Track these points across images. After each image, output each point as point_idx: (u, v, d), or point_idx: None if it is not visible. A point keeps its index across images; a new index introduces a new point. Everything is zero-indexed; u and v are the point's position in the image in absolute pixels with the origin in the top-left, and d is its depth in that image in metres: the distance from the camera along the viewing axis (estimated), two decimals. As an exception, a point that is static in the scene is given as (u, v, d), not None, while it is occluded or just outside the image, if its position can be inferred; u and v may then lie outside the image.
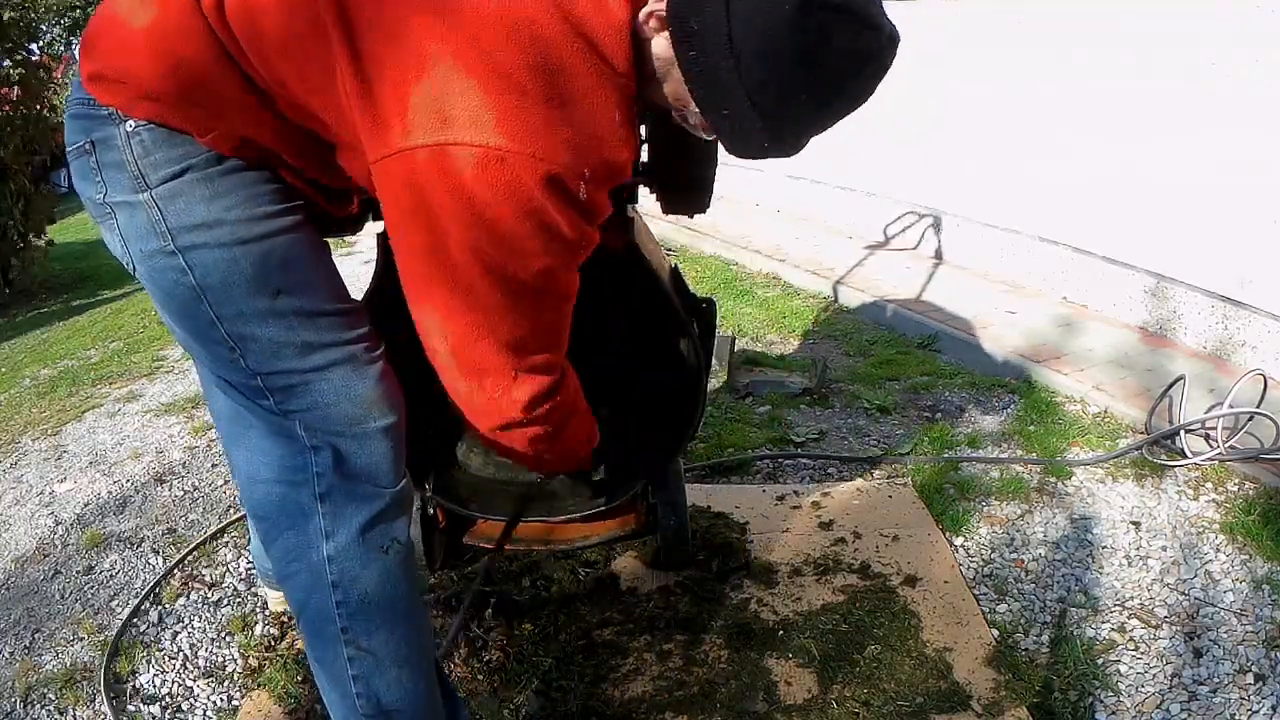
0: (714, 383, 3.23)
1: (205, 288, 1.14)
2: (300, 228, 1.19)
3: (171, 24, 1.07)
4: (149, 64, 1.08)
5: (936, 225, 4.71)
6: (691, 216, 1.70)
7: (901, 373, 3.37)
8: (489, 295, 1.08)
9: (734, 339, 3.60)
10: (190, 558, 2.36)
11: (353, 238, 6.21)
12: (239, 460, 1.30)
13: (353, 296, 1.29)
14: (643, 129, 1.62)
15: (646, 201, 1.73)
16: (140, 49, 1.08)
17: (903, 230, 4.98)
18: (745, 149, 1.09)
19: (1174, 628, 1.91)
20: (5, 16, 5.91)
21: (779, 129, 1.05)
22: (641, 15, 1.06)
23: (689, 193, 1.56)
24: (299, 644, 1.96)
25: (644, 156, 1.63)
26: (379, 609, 1.26)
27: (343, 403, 1.20)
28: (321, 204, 1.24)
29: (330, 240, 1.63)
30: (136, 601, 2.17)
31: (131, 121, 1.10)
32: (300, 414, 1.20)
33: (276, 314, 1.16)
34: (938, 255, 4.70)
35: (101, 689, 1.88)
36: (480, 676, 1.83)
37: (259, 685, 1.87)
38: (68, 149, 1.17)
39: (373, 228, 1.64)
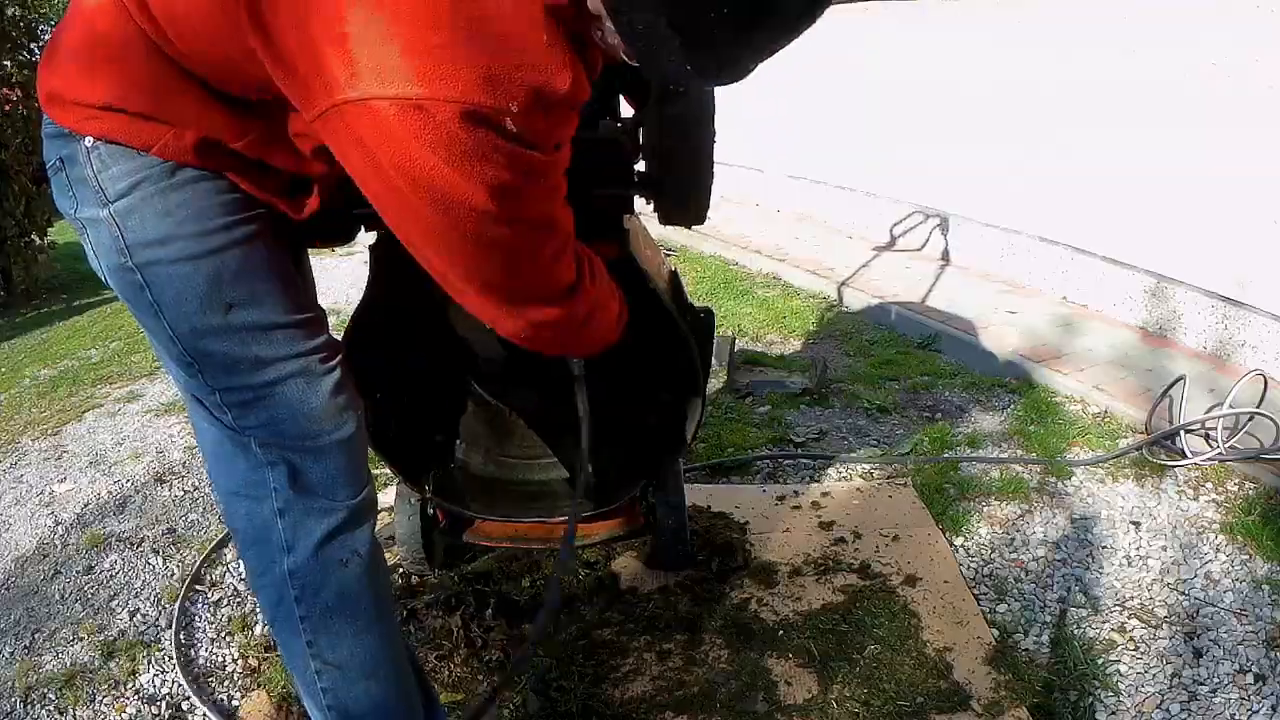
0: (714, 383, 3.23)
1: (161, 304, 1.14)
2: (256, 238, 1.17)
3: (102, 32, 1.06)
4: (89, 77, 1.08)
5: (937, 225, 4.71)
6: (690, 227, 1.70)
7: (901, 373, 3.37)
8: (458, 244, 1.03)
9: (734, 339, 3.60)
10: (190, 559, 2.36)
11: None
12: (213, 474, 1.31)
13: (316, 303, 1.29)
14: (641, 132, 1.62)
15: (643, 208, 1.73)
16: (79, 64, 1.08)
17: (903, 231, 4.98)
18: (663, 70, 1.01)
19: (1174, 628, 1.90)
20: (10, 12, 5.90)
21: (697, 50, 0.95)
22: None
23: (687, 204, 1.56)
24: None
25: (640, 166, 1.63)
26: (342, 622, 1.26)
27: (296, 417, 1.20)
28: (281, 206, 1.21)
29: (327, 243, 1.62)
30: (185, 583, 2.17)
31: (90, 137, 1.10)
32: (255, 430, 1.20)
33: (230, 329, 1.16)
34: (939, 255, 4.70)
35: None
36: (480, 676, 1.83)
37: (259, 685, 1.87)
38: (46, 167, 1.17)
39: (366, 238, 1.66)
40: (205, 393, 1.20)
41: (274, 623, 1.29)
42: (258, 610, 2.11)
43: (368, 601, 1.28)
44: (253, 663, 1.95)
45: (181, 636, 2.06)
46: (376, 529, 1.33)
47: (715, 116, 1.49)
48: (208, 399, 1.21)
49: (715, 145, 1.52)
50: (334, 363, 1.23)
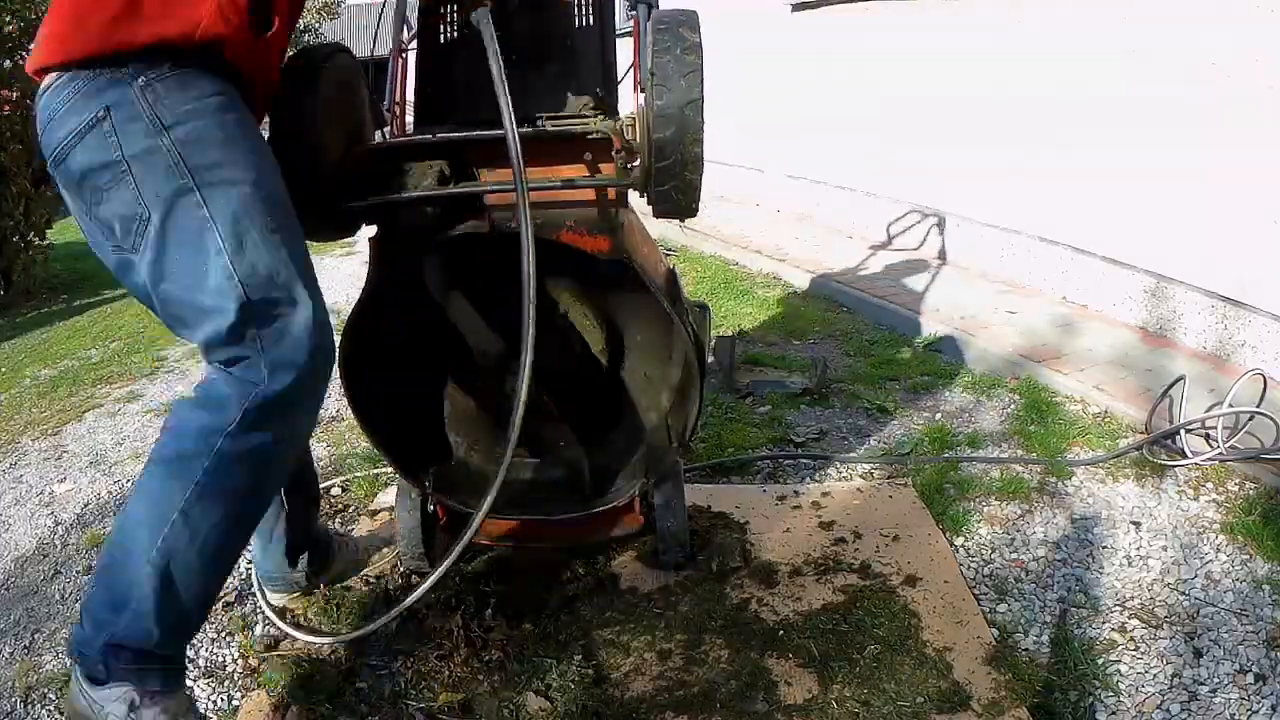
0: (713, 383, 3.23)
1: (216, 216, 1.34)
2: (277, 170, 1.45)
3: None
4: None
5: (937, 225, 4.72)
6: (682, 220, 1.72)
7: (901, 373, 3.37)
8: None
9: (734, 339, 3.60)
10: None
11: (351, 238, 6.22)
12: (207, 356, 1.46)
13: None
14: (635, 131, 1.62)
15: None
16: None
17: (903, 230, 4.98)
18: None
19: (1174, 628, 1.90)
20: (6, 29, 5.89)
21: None
22: None
23: (678, 196, 1.58)
24: (298, 645, 1.96)
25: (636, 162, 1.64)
26: (224, 508, 1.41)
27: (300, 337, 1.40)
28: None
29: (327, 244, 1.71)
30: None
31: (142, 78, 1.29)
32: (269, 339, 1.39)
33: (271, 246, 1.37)
34: (938, 255, 4.70)
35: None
36: (480, 676, 1.83)
37: (259, 685, 1.87)
38: (68, 138, 1.31)
39: (364, 237, 1.66)
40: (236, 309, 1.36)
41: (167, 461, 1.41)
42: (257, 611, 2.11)
43: (254, 506, 1.49)
44: (253, 663, 1.95)
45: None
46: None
47: (704, 106, 1.50)
48: (236, 317, 1.36)
49: (704, 136, 1.53)
50: (320, 310, 1.45)
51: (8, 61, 6.12)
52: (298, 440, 1.55)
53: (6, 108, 5.98)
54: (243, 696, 1.86)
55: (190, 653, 2.00)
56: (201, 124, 1.32)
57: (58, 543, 2.51)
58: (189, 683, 1.91)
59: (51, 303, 5.95)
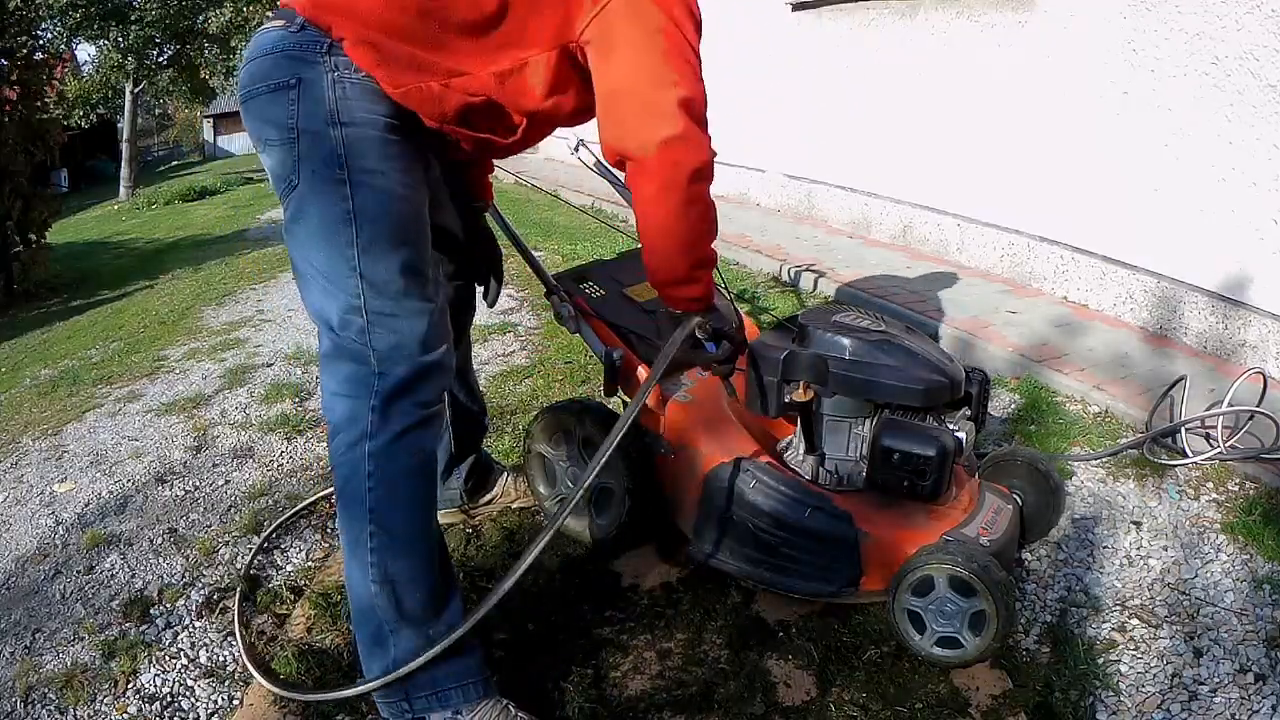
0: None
1: (359, 212, 1.47)
2: (425, 201, 1.57)
3: None
4: (381, 13, 1.44)
5: (937, 225, 4.71)
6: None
7: (902, 373, 3.36)
8: (658, 46, 1.46)
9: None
10: (192, 558, 2.36)
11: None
12: (323, 380, 1.59)
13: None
14: None
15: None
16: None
17: (903, 230, 4.98)
18: None
19: (1174, 627, 1.90)
20: (12, 4, 5.90)
21: None
22: None
23: None
24: (295, 635, 1.96)
25: None
26: (400, 500, 1.55)
27: (410, 338, 1.52)
28: (492, 139, 1.60)
29: None
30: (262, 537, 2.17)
31: (336, 71, 1.44)
32: (381, 336, 1.51)
33: (396, 263, 1.51)
34: (938, 255, 4.70)
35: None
36: (480, 676, 1.82)
37: (259, 683, 1.87)
38: (264, 81, 1.46)
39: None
40: (351, 297, 1.49)
41: (343, 490, 1.56)
42: (256, 612, 2.12)
43: (423, 491, 1.59)
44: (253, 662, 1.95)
45: (183, 636, 2.06)
46: None
47: None
48: (351, 303, 1.50)
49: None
50: (439, 305, 1.58)
51: (5, 61, 6.13)
52: (432, 410, 1.59)
53: (6, 107, 5.99)
54: (243, 694, 1.86)
55: (190, 652, 2.00)
56: (369, 133, 1.46)
57: (58, 543, 2.51)
58: (190, 683, 1.92)
59: (51, 303, 5.96)
